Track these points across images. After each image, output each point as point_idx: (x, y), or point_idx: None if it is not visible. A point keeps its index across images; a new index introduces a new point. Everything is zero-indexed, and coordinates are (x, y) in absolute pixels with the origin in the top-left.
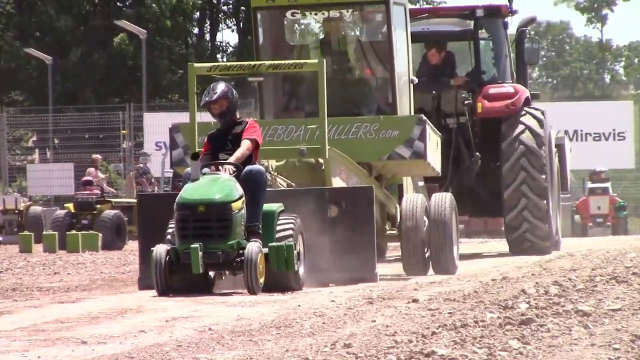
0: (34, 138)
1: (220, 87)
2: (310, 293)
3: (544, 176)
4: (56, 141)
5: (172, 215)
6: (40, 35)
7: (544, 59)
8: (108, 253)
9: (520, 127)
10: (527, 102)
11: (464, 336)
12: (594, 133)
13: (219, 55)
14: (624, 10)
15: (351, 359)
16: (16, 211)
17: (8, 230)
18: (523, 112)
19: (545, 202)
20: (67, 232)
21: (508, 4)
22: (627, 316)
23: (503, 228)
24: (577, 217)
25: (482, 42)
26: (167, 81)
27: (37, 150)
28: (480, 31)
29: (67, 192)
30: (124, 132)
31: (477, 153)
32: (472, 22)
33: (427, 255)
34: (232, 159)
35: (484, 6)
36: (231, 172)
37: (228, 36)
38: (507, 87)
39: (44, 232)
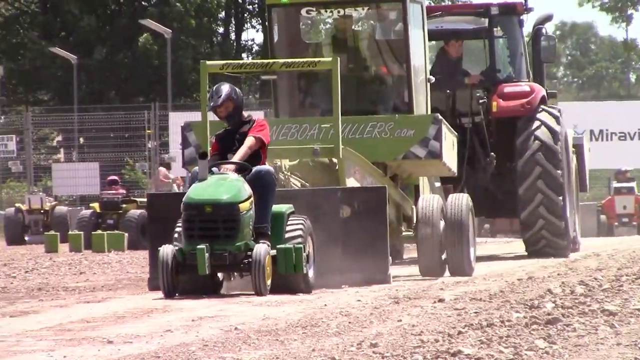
0: (59, 137)
1: (225, 89)
2: (336, 292)
3: (560, 172)
4: (81, 141)
5: (178, 216)
6: (65, 34)
7: (569, 58)
8: (134, 253)
9: (536, 123)
10: (543, 100)
11: (490, 335)
12: (619, 132)
13: (244, 55)
14: None
15: (377, 359)
16: (42, 211)
17: (34, 230)
18: (539, 110)
19: (561, 198)
20: (93, 232)
21: (523, 1)
22: None
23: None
24: (602, 216)
25: (497, 40)
26: (192, 80)
27: (62, 150)
28: (495, 29)
29: (93, 192)
30: (149, 131)
31: (492, 153)
32: (487, 20)
33: (443, 256)
34: (235, 159)
35: (499, 4)
36: (243, 172)
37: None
38: (523, 86)
39: (70, 232)
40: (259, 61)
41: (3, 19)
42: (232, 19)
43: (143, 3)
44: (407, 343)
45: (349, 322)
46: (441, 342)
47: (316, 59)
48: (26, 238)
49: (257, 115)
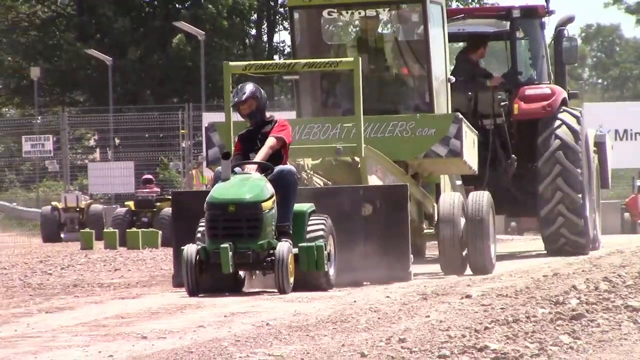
0: (95, 137)
1: (249, 87)
2: (365, 288)
3: (579, 170)
4: (117, 140)
5: (203, 214)
6: (100, 36)
7: (594, 59)
8: (167, 250)
9: (557, 122)
10: (564, 102)
11: (515, 331)
12: None
13: (276, 56)
14: None
15: (406, 354)
16: (77, 209)
17: (69, 228)
18: (560, 111)
19: (580, 196)
20: (128, 230)
21: (545, 4)
22: None
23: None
24: (626, 214)
25: (518, 42)
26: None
27: (97, 149)
28: (517, 31)
29: (128, 190)
30: (183, 131)
31: (514, 155)
32: (508, 23)
33: (464, 254)
34: (257, 159)
35: (521, 6)
36: (266, 171)
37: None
38: (544, 88)
39: (105, 230)
40: (281, 62)
41: (40, 21)
42: (264, 21)
43: (176, 5)
44: (434, 338)
45: (378, 318)
46: (468, 337)
47: (338, 59)
48: (62, 235)
49: (287, 115)
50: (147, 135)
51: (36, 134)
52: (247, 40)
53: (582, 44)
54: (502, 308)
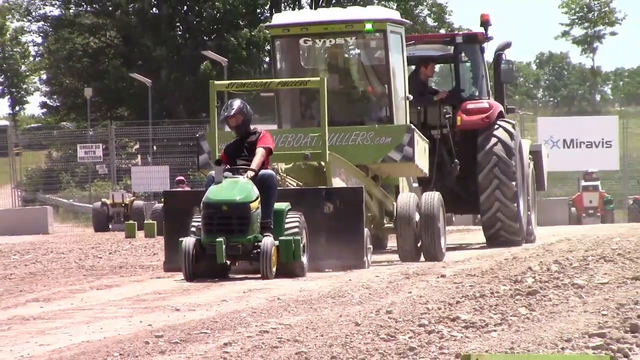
0: (137, 146)
1: (236, 103)
2: (358, 270)
3: (514, 182)
4: (155, 148)
5: (193, 210)
6: (141, 62)
7: (547, 81)
8: None
9: (494, 140)
10: (500, 115)
11: (482, 304)
12: (587, 141)
13: None
14: (611, 42)
15: (392, 323)
16: (122, 204)
17: (116, 220)
18: (496, 126)
19: (515, 204)
20: (164, 221)
21: (484, 31)
22: (613, 288)
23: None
24: (573, 209)
25: (461, 64)
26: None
27: (139, 155)
28: (460, 55)
29: (164, 189)
30: None
31: (457, 160)
32: (452, 48)
33: (418, 244)
34: (253, 166)
35: (463, 34)
36: (249, 177)
37: None
38: (483, 103)
39: (145, 222)
40: (259, 81)
41: (92, 50)
42: None
43: (204, 37)
44: (415, 310)
45: (369, 294)
46: (443, 309)
47: (307, 79)
48: (110, 226)
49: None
50: (179, 144)
51: (88, 143)
52: (262, 66)
53: (537, 69)
54: (470, 285)
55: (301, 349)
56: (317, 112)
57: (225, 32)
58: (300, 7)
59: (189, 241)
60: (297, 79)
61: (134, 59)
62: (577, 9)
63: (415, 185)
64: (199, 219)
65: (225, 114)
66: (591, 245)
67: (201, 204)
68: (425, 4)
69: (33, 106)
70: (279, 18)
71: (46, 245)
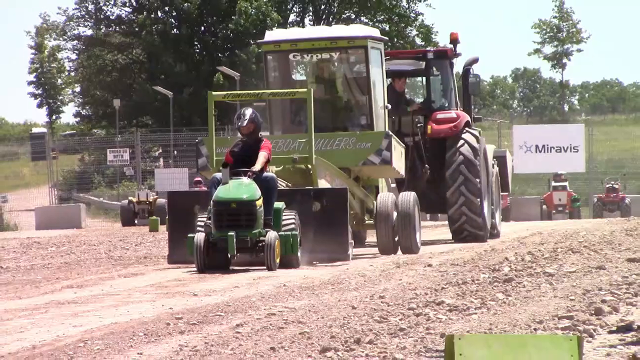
0: (160, 150)
1: (249, 113)
2: (355, 261)
3: (478, 180)
4: (175, 153)
5: (194, 209)
6: (164, 77)
7: (521, 93)
8: None
9: (461, 142)
10: (467, 124)
11: (464, 290)
12: (557, 146)
13: None
14: (578, 58)
15: (384, 306)
16: (147, 202)
17: (141, 216)
18: (464, 132)
19: (479, 200)
20: (168, 219)
21: (453, 48)
22: (580, 276)
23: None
24: (544, 206)
25: (432, 78)
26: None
27: (161, 159)
28: (431, 69)
29: (183, 189)
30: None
31: (427, 165)
32: (424, 63)
33: (396, 239)
34: (257, 167)
35: (434, 50)
36: (251, 176)
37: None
38: (452, 113)
39: (167, 217)
40: (252, 92)
41: (120, 66)
42: None
43: (218, 54)
44: (405, 295)
45: (364, 281)
46: (429, 295)
47: (295, 90)
48: (136, 221)
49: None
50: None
51: (117, 148)
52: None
53: (512, 82)
54: (454, 274)
55: (304, 329)
56: (305, 119)
57: (237, 49)
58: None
59: (200, 236)
60: (286, 90)
61: (157, 74)
62: (548, 29)
63: (393, 185)
64: (204, 217)
65: (239, 124)
66: (560, 239)
67: (211, 202)
68: (414, 25)
69: (68, 115)
70: (270, 35)
71: (79, 238)
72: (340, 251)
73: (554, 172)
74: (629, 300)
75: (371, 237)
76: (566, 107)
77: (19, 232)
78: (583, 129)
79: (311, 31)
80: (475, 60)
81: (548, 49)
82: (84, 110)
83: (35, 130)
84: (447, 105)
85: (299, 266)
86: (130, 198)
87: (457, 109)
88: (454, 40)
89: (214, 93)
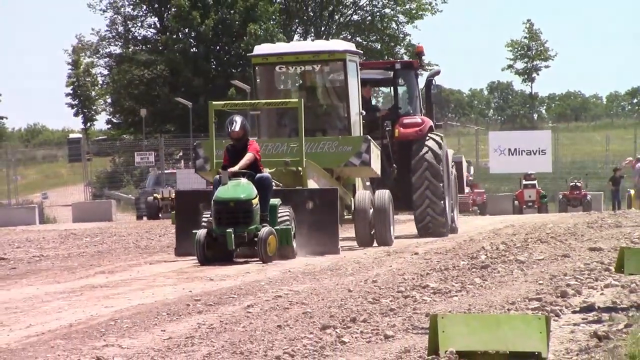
0: (180, 153)
1: (239, 120)
2: (351, 250)
3: (441, 184)
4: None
5: (200, 207)
6: (184, 89)
7: (495, 103)
8: None
9: (425, 149)
10: (430, 129)
11: (446, 276)
12: (527, 150)
13: None
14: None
15: (377, 289)
16: (170, 199)
17: (165, 210)
18: (427, 138)
19: (442, 202)
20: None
21: (418, 60)
22: (547, 263)
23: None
24: (516, 202)
25: (399, 87)
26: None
27: (182, 161)
28: (398, 79)
29: (202, 187)
30: None
31: (395, 165)
32: (392, 73)
33: (372, 232)
34: (236, 168)
35: (401, 61)
36: (232, 175)
37: None
38: (417, 119)
39: (175, 213)
40: (248, 101)
41: (146, 80)
42: None
43: (232, 69)
44: (395, 280)
45: (359, 267)
46: (416, 279)
47: (288, 100)
48: (160, 215)
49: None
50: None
51: (143, 151)
52: None
53: (488, 94)
54: (437, 261)
55: (307, 309)
56: (288, 124)
57: (248, 65)
58: None
59: (201, 232)
60: (279, 100)
61: (178, 87)
62: (519, 48)
63: (368, 184)
64: (208, 214)
65: (231, 128)
66: (530, 230)
67: (212, 202)
68: (402, 44)
69: (100, 123)
70: (259, 49)
71: (110, 230)
72: (331, 245)
73: (524, 172)
74: (590, 284)
75: (344, 232)
76: (535, 116)
77: (58, 224)
78: (550, 134)
79: (295, 46)
80: (437, 73)
81: (519, 65)
82: (115, 118)
83: (72, 135)
84: (412, 111)
85: (295, 257)
86: (155, 195)
87: (421, 115)
88: (419, 53)
89: (214, 102)
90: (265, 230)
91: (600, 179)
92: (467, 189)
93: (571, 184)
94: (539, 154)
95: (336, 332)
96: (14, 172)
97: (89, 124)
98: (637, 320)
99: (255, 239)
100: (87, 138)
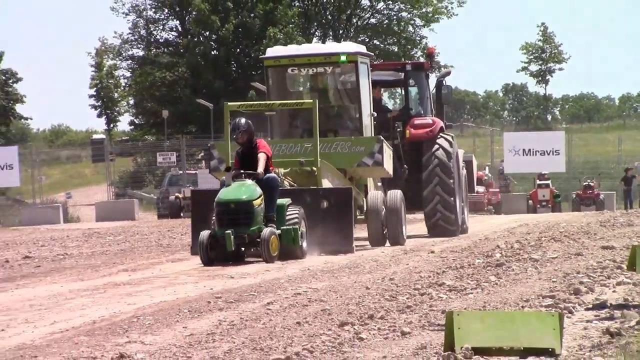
0: (202, 154)
1: (242, 123)
2: (369, 249)
3: (451, 180)
4: None
5: (214, 206)
6: (205, 91)
7: (510, 104)
8: None
9: (436, 146)
10: (441, 130)
11: (461, 274)
12: (541, 150)
13: None
14: (559, 75)
15: (394, 287)
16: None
17: (186, 210)
18: (439, 137)
19: (452, 198)
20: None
21: (429, 61)
22: (561, 262)
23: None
24: (530, 201)
25: (410, 87)
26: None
27: (203, 161)
28: (409, 80)
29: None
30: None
31: (405, 166)
32: (403, 74)
33: (385, 232)
34: (260, 170)
35: (412, 63)
36: (252, 179)
37: None
38: (427, 119)
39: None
40: (263, 102)
41: (168, 82)
42: None
43: (252, 72)
44: (411, 277)
45: (377, 265)
46: (432, 277)
47: (302, 101)
48: (181, 214)
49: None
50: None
51: (165, 152)
52: None
53: (503, 96)
54: (453, 259)
55: (325, 306)
56: (300, 125)
57: None
58: None
59: (204, 234)
60: (294, 101)
61: (200, 89)
62: (534, 51)
63: (379, 184)
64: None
65: (234, 135)
66: (544, 229)
67: (214, 203)
68: (419, 47)
69: (123, 123)
70: (271, 52)
71: (133, 229)
72: (346, 244)
73: (538, 172)
74: (603, 282)
75: (357, 232)
76: (549, 117)
77: (81, 223)
78: (563, 135)
79: (307, 48)
80: (448, 73)
81: (534, 67)
82: (137, 120)
83: (95, 136)
84: (423, 112)
85: (303, 257)
86: (176, 194)
87: (432, 116)
88: (430, 55)
89: (229, 104)
90: (267, 230)
91: (612, 178)
92: (481, 189)
93: (584, 183)
94: (553, 154)
95: (354, 328)
96: (38, 172)
97: (112, 125)
98: None
99: (258, 240)
100: (110, 139)
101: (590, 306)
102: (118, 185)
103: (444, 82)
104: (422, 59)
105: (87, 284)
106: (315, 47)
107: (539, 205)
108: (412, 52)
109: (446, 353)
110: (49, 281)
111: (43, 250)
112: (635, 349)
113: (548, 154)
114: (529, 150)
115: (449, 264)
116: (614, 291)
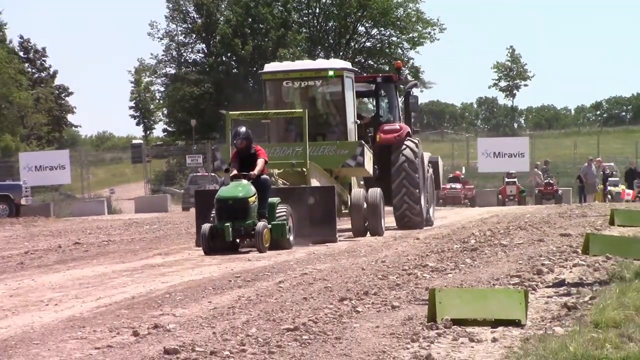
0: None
1: (242, 131)
2: (365, 238)
3: (417, 175)
4: None
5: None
6: (227, 103)
7: (483, 115)
8: None
9: (403, 146)
10: (408, 134)
11: (442, 257)
12: (509, 153)
13: None
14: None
15: (385, 268)
16: None
17: None
18: (406, 140)
19: (417, 191)
20: (195, 210)
21: (397, 74)
22: (526, 247)
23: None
24: (499, 196)
25: (380, 97)
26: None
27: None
28: (379, 91)
29: None
30: None
31: (376, 166)
32: (374, 85)
33: (366, 224)
34: (256, 171)
35: (382, 75)
36: (252, 178)
37: None
38: (396, 125)
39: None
40: (260, 111)
41: (195, 96)
42: None
43: None
44: (400, 260)
45: (371, 250)
46: (417, 259)
47: (294, 110)
48: None
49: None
50: None
51: (193, 154)
52: None
53: (477, 107)
54: (435, 244)
55: (328, 284)
56: (293, 130)
57: None
58: None
59: (206, 226)
60: (287, 110)
61: (222, 101)
62: (503, 69)
63: (362, 182)
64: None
65: (235, 141)
66: (512, 219)
67: (215, 199)
68: (406, 66)
69: (158, 131)
70: (268, 67)
71: (166, 219)
72: (330, 235)
73: (506, 171)
74: (561, 264)
75: (342, 224)
76: (516, 125)
77: (122, 215)
78: (528, 140)
79: (300, 64)
80: (415, 85)
81: (503, 83)
82: (170, 127)
83: (134, 141)
84: (392, 119)
85: (290, 247)
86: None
87: (399, 122)
88: (398, 69)
89: (230, 112)
90: (260, 224)
91: (569, 176)
92: (459, 185)
93: (545, 181)
94: (519, 156)
95: (352, 303)
96: (86, 171)
97: (148, 132)
98: (600, 294)
99: (252, 232)
100: (146, 143)
101: (551, 284)
102: (153, 182)
103: (411, 92)
104: (409, 77)
105: (127, 265)
106: (306, 63)
107: (507, 199)
108: (401, 71)
109: (429, 323)
110: (95, 263)
111: (90, 237)
112: (589, 320)
113: (515, 156)
114: (499, 153)
115: (431, 249)
116: (570, 272)
